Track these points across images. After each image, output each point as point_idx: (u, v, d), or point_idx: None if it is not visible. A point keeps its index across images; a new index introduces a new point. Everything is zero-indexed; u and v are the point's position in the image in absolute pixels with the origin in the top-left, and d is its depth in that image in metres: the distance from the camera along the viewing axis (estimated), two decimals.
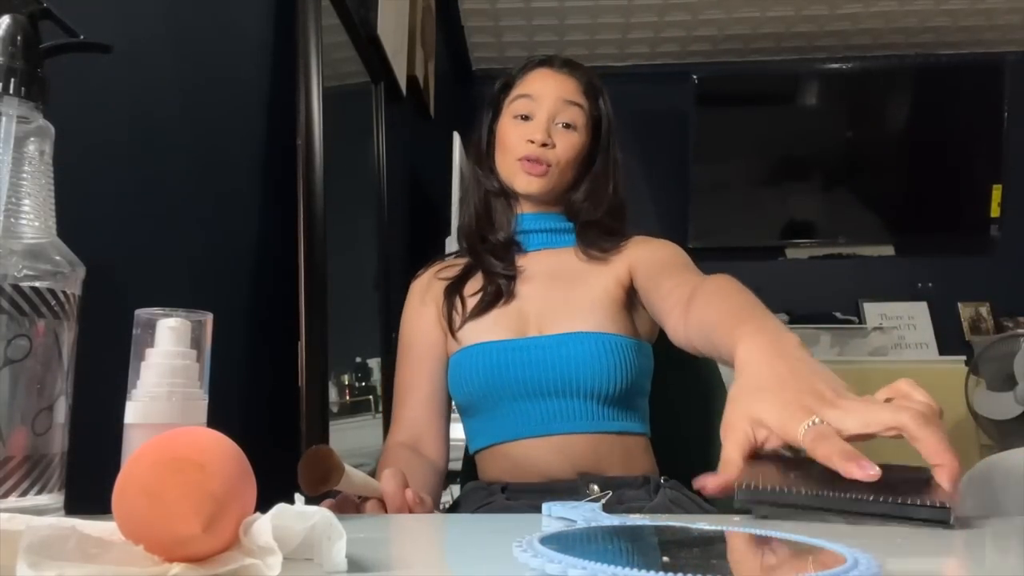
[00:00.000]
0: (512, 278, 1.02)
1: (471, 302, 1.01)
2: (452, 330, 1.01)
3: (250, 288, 1.09)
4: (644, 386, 1.00)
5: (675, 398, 1.10)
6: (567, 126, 1.01)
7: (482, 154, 1.09)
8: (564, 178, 1.03)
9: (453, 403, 1.04)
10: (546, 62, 1.06)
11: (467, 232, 1.09)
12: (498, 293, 1.01)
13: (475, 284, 1.04)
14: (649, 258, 1.00)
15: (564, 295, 1.00)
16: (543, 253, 1.05)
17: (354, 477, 0.66)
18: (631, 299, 1.01)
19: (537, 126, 1.00)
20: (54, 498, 0.46)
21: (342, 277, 1.38)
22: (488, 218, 1.07)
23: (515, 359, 0.95)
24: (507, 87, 1.07)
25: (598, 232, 1.04)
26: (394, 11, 1.92)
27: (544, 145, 1.00)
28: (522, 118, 1.02)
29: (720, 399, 1.15)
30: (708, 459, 1.13)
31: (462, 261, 1.08)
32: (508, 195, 1.06)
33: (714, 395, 1.16)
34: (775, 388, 0.57)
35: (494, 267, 1.03)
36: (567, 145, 1.01)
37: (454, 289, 1.04)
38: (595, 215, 1.04)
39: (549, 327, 0.97)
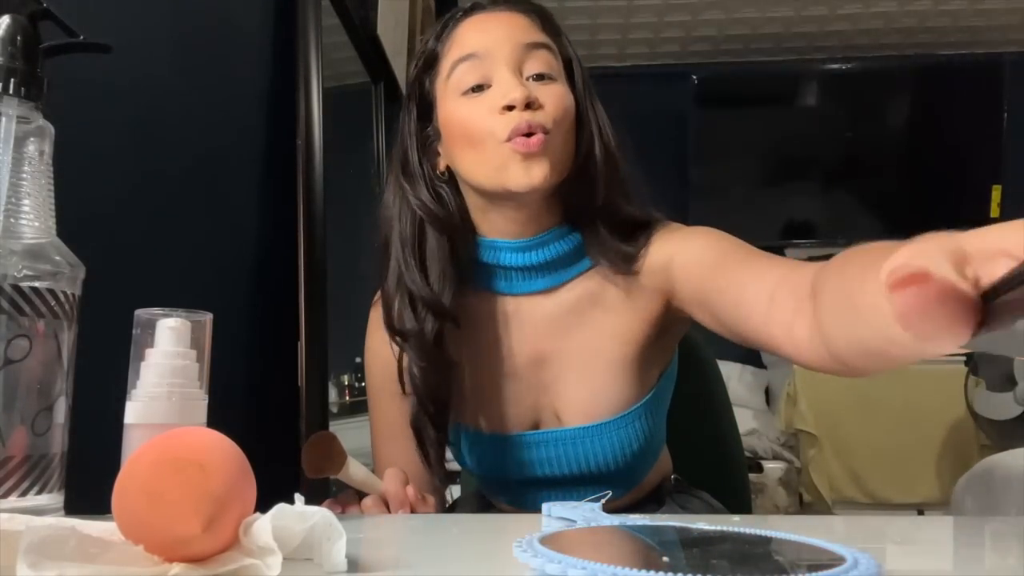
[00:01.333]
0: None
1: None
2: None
3: (250, 288, 1.09)
4: (664, 424, 0.85)
5: (678, 396, 1.10)
6: (541, 77, 0.71)
7: (412, 169, 0.77)
8: (566, 150, 0.73)
9: None
10: (475, 7, 0.76)
11: (389, 302, 0.76)
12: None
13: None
14: (694, 270, 0.73)
15: (573, 367, 0.77)
16: (537, 298, 0.78)
17: (355, 470, 0.67)
18: (664, 327, 0.79)
19: (506, 86, 0.70)
20: (54, 498, 0.46)
21: (342, 277, 1.37)
22: (422, 263, 0.74)
23: (525, 457, 0.78)
24: (431, 62, 0.76)
25: (615, 233, 0.76)
26: (394, 11, 1.92)
27: (528, 106, 0.69)
28: (473, 90, 0.71)
29: (722, 397, 1.15)
30: (712, 457, 1.13)
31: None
32: (461, 222, 0.76)
33: (717, 394, 1.16)
34: None
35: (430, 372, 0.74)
36: (555, 100, 0.71)
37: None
38: (596, 198, 0.75)
39: (564, 409, 0.78)
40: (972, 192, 3.54)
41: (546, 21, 0.76)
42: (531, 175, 0.69)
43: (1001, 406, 2.65)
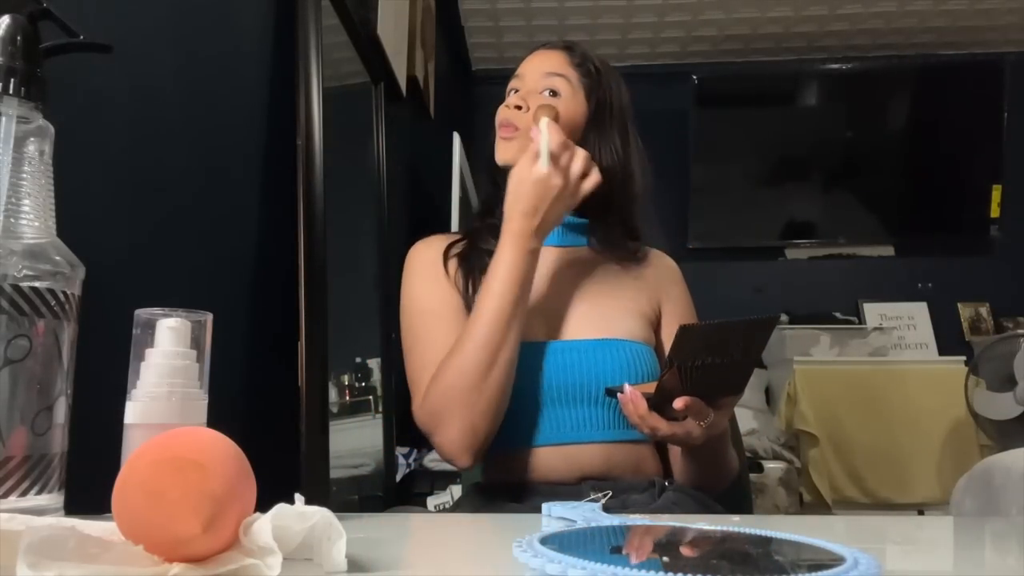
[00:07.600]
0: None
1: None
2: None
3: (250, 288, 1.09)
4: None
5: None
6: (551, 93, 0.96)
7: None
8: None
9: None
10: (544, 44, 1.04)
11: (477, 217, 1.05)
12: None
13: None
14: (675, 311, 1.01)
15: (589, 298, 0.97)
16: (554, 250, 1.00)
17: None
18: (657, 319, 1.01)
19: (515, 97, 0.97)
20: (54, 498, 0.46)
21: (342, 277, 1.37)
22: (491, 209, 1.02)
23: (548, 363, 0.90)
24: (510, 79, 1.05)
25: (613, 231, 1.00)
26: (394, 11, 1.92)
27: (519, 108, 0.95)
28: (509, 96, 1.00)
29: None
30: None
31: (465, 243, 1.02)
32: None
33: None
34: None
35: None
36: (537, 107, 0.95)
37: (474, 262, 0.97)
38: (604, 207, 0.97)
39: (577, 331, 0.94)
40: (972, 192, 3.55)
41: (582, 59, 1.00)
42: (502, 153, 0.96)
43: (1001, 406, 2.65)
